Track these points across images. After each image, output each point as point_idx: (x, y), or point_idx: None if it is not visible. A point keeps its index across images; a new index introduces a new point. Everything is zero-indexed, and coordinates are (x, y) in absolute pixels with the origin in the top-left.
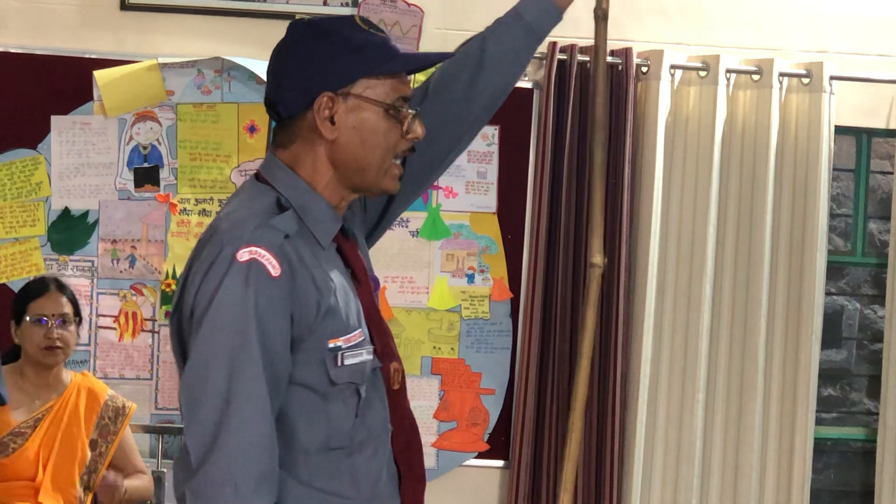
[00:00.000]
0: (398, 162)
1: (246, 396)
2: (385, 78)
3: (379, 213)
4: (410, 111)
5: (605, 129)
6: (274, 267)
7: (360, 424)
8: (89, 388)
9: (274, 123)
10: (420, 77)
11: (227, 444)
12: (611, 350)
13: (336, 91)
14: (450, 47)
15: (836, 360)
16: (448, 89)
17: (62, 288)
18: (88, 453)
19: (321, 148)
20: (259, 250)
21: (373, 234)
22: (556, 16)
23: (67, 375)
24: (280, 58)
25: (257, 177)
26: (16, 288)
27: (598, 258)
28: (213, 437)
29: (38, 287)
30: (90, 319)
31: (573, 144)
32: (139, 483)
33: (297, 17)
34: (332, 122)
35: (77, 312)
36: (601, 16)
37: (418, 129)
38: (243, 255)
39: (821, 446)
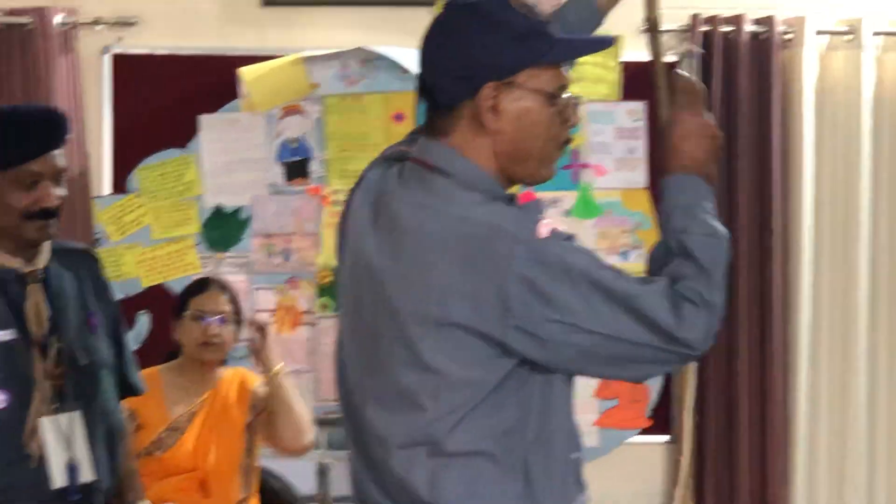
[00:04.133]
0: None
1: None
2: (548, 66)
3: None
4: (570, 99)
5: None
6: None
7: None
8: (241, 378)
9: (424, 107)
10: None
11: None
12: (767, 321)
13: (501, 80)
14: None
15: None
16: None
17: (223, 288)
18: (246, 438)
19: (484, 138)
20: (546, 222)
21: None
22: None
23: (223, 371)
24: (438, 41)
25: (425, 164)
26: (173, 287)
27: None
28: (648, 300)
29: (200, 285)
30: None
31: (719, 116)
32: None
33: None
34: (497, 113)
35: (237, 312)
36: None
37: (578, 117)
38: (542, 231)
39: None
